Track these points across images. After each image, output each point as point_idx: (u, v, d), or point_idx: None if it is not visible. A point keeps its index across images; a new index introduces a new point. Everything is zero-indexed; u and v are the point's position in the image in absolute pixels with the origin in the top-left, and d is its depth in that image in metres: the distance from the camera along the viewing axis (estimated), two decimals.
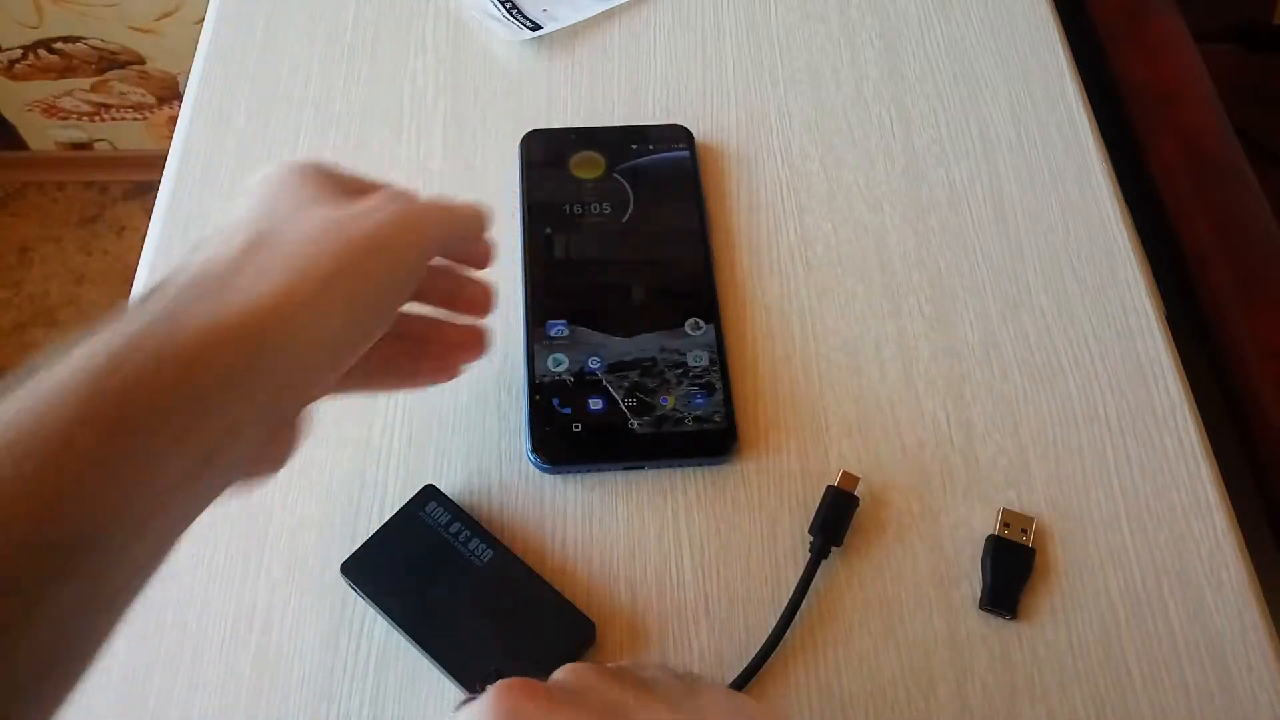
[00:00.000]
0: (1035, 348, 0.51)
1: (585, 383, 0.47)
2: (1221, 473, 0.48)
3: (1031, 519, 0.45)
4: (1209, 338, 0.60)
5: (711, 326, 0.49)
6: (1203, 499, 0.47)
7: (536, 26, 0.61)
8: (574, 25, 0.62)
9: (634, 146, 0.55)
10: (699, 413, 0.46)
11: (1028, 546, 0.45)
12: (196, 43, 0.61)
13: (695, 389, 0.47)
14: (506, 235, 0.52)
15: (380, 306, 0.33)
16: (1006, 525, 0.45)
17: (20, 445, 0.24)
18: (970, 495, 0.47)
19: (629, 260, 0.51)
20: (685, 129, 0.56)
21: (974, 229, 0.55)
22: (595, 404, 0.46)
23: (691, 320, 0.49)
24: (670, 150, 0.55)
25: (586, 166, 0.54)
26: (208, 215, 0.54)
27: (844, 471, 0.46)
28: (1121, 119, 0.66)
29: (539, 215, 0.52)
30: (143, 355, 0.26)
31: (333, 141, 0.57)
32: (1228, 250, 0.61)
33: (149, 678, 0.42)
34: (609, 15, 0.62)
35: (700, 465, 0.47)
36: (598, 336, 0.48)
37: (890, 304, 0.52)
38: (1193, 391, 0.50)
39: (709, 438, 0.46)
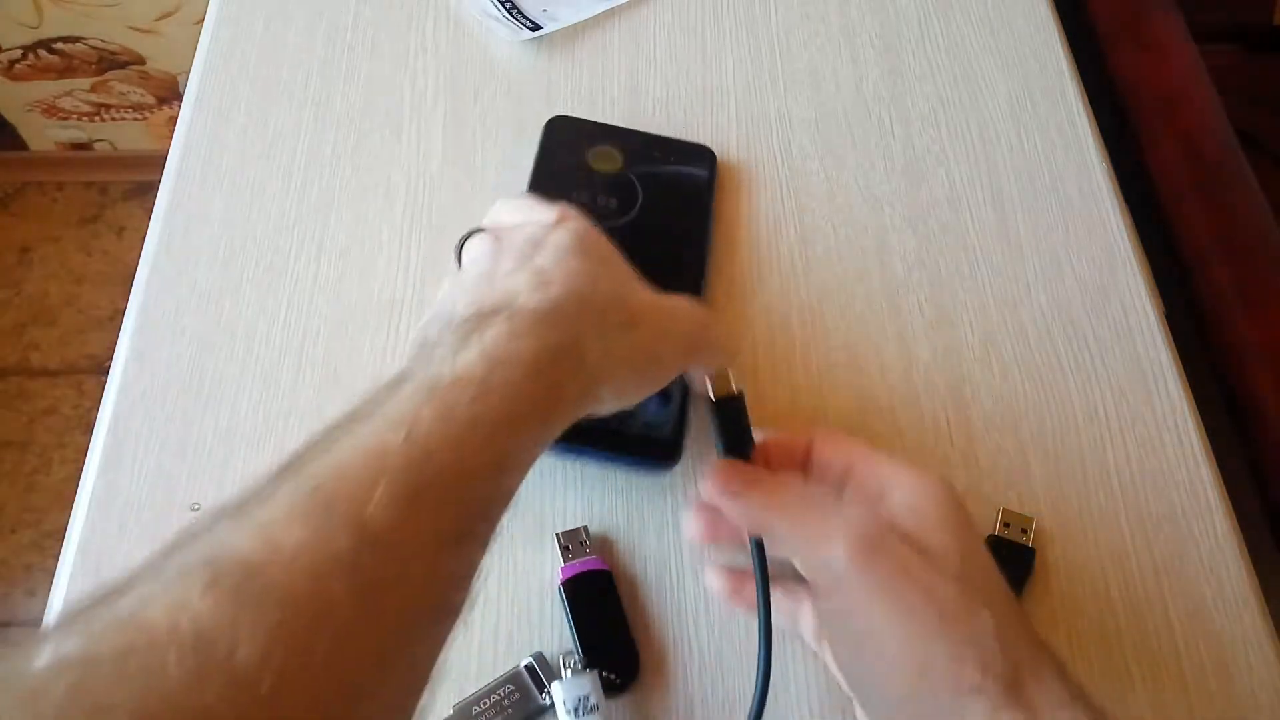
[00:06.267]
0: (1035, 348, 0.51)
1: None
2: (1221, 473, 0.48)
3: (1031, 519, 0.45)
4: (1209, 338, 0.60)
5: None
6: (1203, 499, 0.47)
7: (536, 26, 0.61)
8: (574, 25, 0.62)
9: (655, 155, 0.54)
10: (651, 418, 0.45)
11: (1028, 546, 0.45)
12: (196, 43, 0.61)
13: (654, 395, 0.45)
14: None
15: (627, 284, 0.38)
16: (1006, 525, 0.45)
17: (494, 408, 0.30)
18: (970, 495, 0.47)
19: (628, 257, 0.50)
20: (710, 151, 0.55)
21: (974, 229, 0.55)
22: None
23: None
24: (690, 166, 0.54)
25: (603, 160, 0.53)
26: (208, 215, 0.54)
27: None
28: (1121, 119, 0.66)
29: (544, 193, 0.50)
30: (516, 343, 0.32)
31: (333, 141, 0.57)
32: (1228, 250, 0.61)
33: None
34: (609, 15, 0.62)
35: (638, 470, 0.46)
36: None
37: (890, 304, 0.52)
38: (1193, 391, 0.50)
39: (654, 445, 0.45)
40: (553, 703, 0.40)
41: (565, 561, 0.44)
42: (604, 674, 0.41)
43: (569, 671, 0.40)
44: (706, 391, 0.40)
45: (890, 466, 0.36)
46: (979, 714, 0.31)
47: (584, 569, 0.43)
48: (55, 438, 1.40)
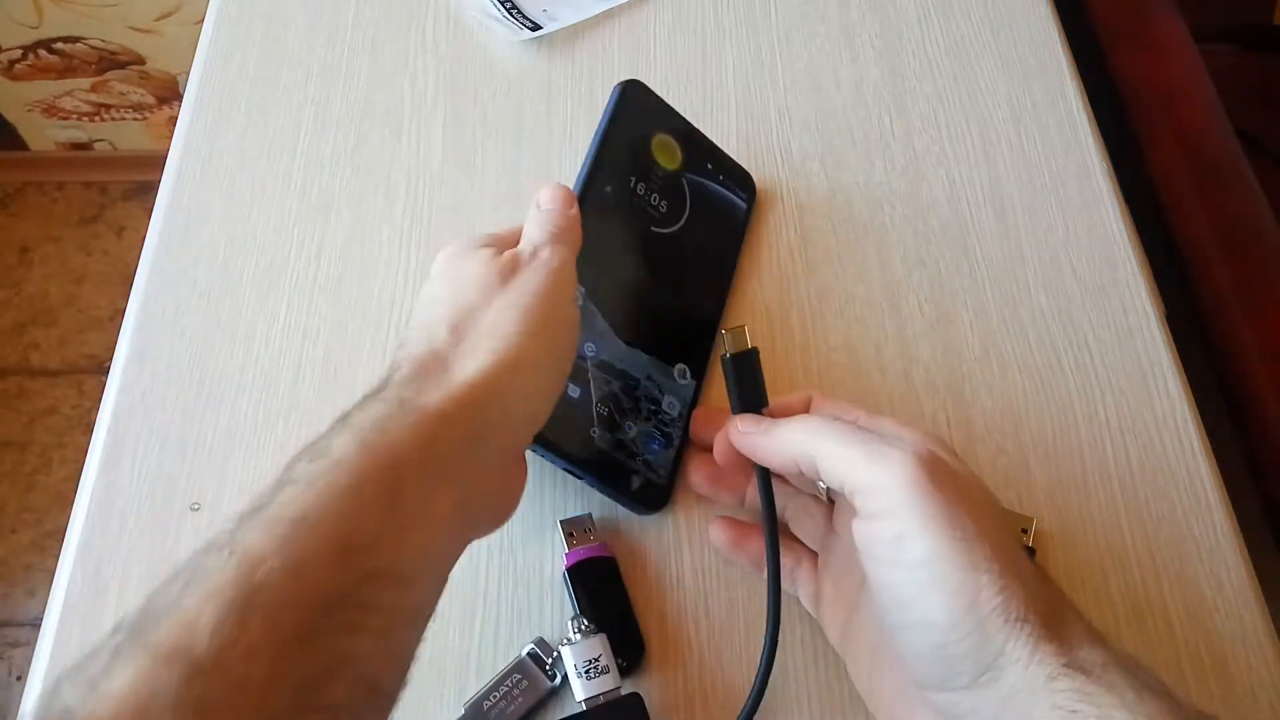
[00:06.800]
0: (1035, 348, 0.51)
1: (579, 368, 0.45)
2: (1221, 473, 0.48)
3: (1031, 519, 0.45)
4: (1209, 338, 0.60)
5: (695, 383, 0.48)
6: (1203, 499, 0.47)
7: (536, 26, 0.61)
8: (574, 25, 0.62)
9: (709, 166, 0.53)
10: (650, 458, 0.45)
11: (1028, 546, 0.45)
12: (196, 43, 0.61)
13: (657, 433, 0.46)
14: (566, 165, 0.51)
15: (566, 348, 0.39)
16: None
17: (323, 498, 0.30)
18: None
19: (660, 272, 0.49)
20: (752, 179, 0.55)
21: (974, 229, 0.55)
22: (574, 391, 0.44)
23: (680, 367, 0.47)
24: (734, 191, 0.53)
25: (665, 153, 0.51)
26: (208, 215, 0.54)
27: None
28: (1121, 119, 0.66)
29: (607, 170, 0.48)
30: (400, 429, 0.32)
31: (333, 141, 0.57)
32: (1228, 250, 0.61)
33: None
34: (609, 15, 0.62)
35: (623, 507, 0.45)
36: (602, 324, 0.46)
37: (890, 304, 0.52)
38: (1193, 391, 0.50)
39: (647, 489, 0.45)
40: (564, 679, 0.40)
41: (570, 548, 0.44)
42: (581, 623, 0.41)
43: (578, 635, 0.41)
44: (723, 347, 0.42)
45: (890, 421, 0.37)
46: (1023, 645, 0.31)
47: (589, 555, 0.44)
48: (55, 438, 1.40)
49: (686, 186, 0.51)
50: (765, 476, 0.40)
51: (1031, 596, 0.32)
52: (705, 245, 0.51)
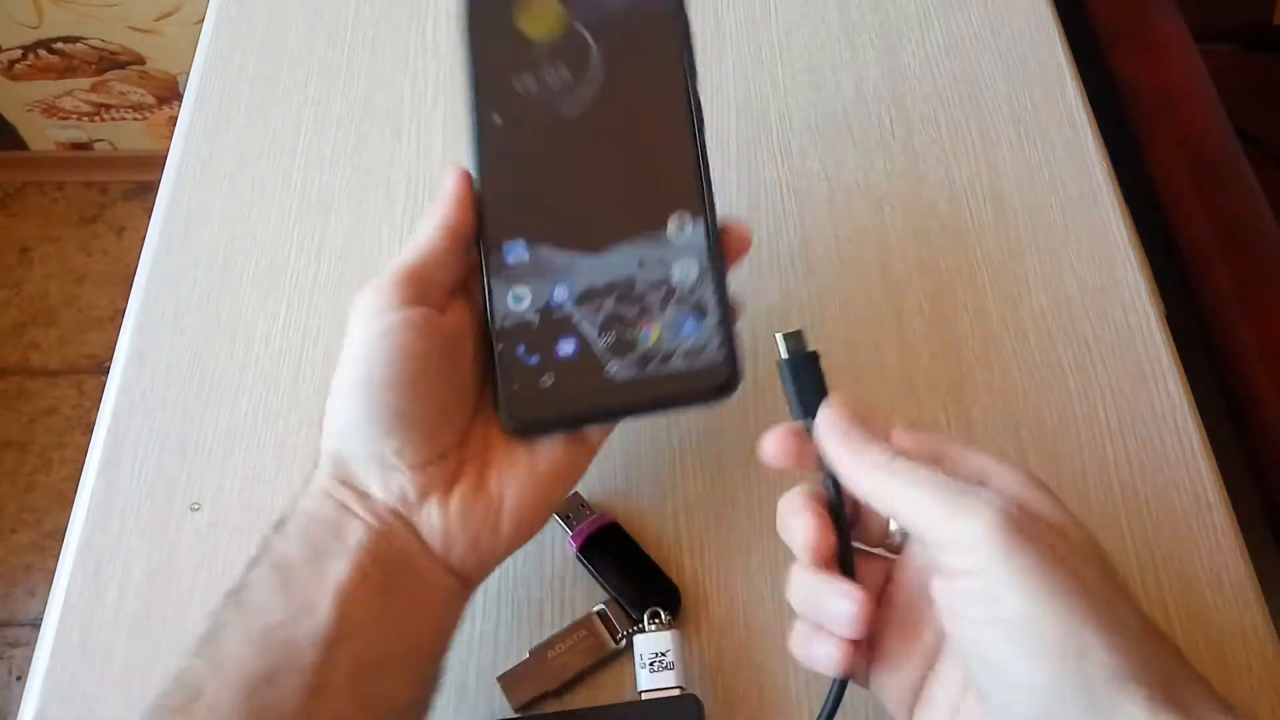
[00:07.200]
0: (1035, 348, 0.51)
1: (552, 321, 0.38)
2: (1221, 473, 0.48)
3: None
4: (1209, 338, 0.60)
5: (701, 221, 0.38)
6: (1203, 499, 0.47)
7: None
8: None
9: None
10: (689, 344, 0.37)
11: None
12: (196, 43, 0.61)
13: (684, 312, 0.37)
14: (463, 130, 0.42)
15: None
16: None
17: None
18: None
19: (596, 145, 0.40)
20: None
21: (974, 229, 0.55)
22: (565, 347, 0.37)
23: (676, 216, 0.38)
24: (655, 3, 0.42)
25: (538, 18, 0.41)
26: (208, 215, 0.54)
27: None
28: (1121, 119, 0.66)
29: (487, 98, 0.40)
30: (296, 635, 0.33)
31: (333, 141, 0.57)
32: (1228, 250, 0.61)
33: (149, 678, 0.42)
34: None
35: (698, 407, 0.38)
36: (563, 257, 0.38)
37: (890, 304, 0.52)
38: (1193, 391, 0.50)
39: (703, 375, 0.37)
40: (629, 643, 0.41)
41: (572, 530, 0.44)
42: (656, 614, 0.42)
43: (653, 626, 0.41)
44: (778, 351, 0.36)
45: (983, 456, 0.34)
46: (1137, 704, 0.28)
47: (592, 529, 0.44)
48: (55, 438, 1.40)
49: (584, 31, 0.41)
50: (837, 485, 0.35)
51: (1148, 656, 0.29)
52: (641, 70, 0.41)
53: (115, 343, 0.51)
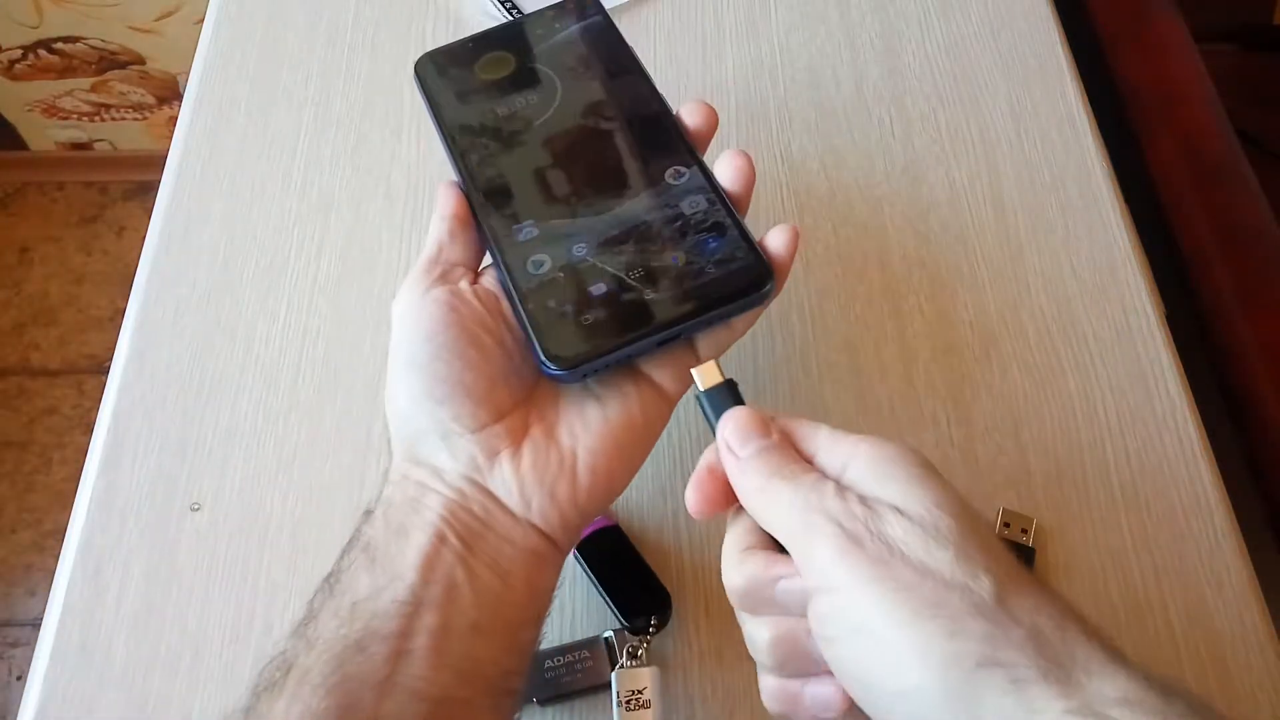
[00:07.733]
0: (1035, 348, 0.51)
1: (578, 272, 0.39)
2: (1221, 473, 0.48)
3: (1031, 519, 0.45)
4: (1209, 338, 0.60)
5: (695, 168, 0.42)
6: (1203, 499, 0.47)
7: None
8: None
9: (540, 33, 0.47)
10: (718, 256, 0.39)
11: (1028, 546, 0.45)
12: (196, 43, 0.61)
13: (704, 235, 0.40)
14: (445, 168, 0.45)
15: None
16: (1006, 525, 0.45)
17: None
18: (970, 495, 0.46)
19: (579, 138, 0.44)
20: None
21: (974, 229, 0.55)
22: (598, 289, 0.39)
23: (671, 170, 0.42)
24: (583, 20, 0.47)
25: (494, 68, 0.46)
26: (208, 215, 0.54)
27: None
28: (1121, 119, 0.66)
29: (464, 139, 0.44)
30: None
31: (333, 142, 0.57)
32: (1228, 250, 0.61)
33: (149, 678, 0.42)
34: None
35: (742, 309, 0.39)
36: (572, 225, 0.41)
37: (890, 304, 0.52)
38: (1193, 391, 0.50)
39: (738, 276, 0.38)
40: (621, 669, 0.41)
41: None
42: (645, 621, 0.42)
43: (630, 662, 0.41)
44: (695, 384, 0.37)
45: (848, 442, 0.33)
46: (996, 690, 0.27)
47: (592, 530, 0.44)
48: (55, 438, 1.40)
49: (539, 65, 0.46)
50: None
51: (1008, 625, 0.28)
52: (597, 75, 0.45)
53: (115, 343, 0.51)
